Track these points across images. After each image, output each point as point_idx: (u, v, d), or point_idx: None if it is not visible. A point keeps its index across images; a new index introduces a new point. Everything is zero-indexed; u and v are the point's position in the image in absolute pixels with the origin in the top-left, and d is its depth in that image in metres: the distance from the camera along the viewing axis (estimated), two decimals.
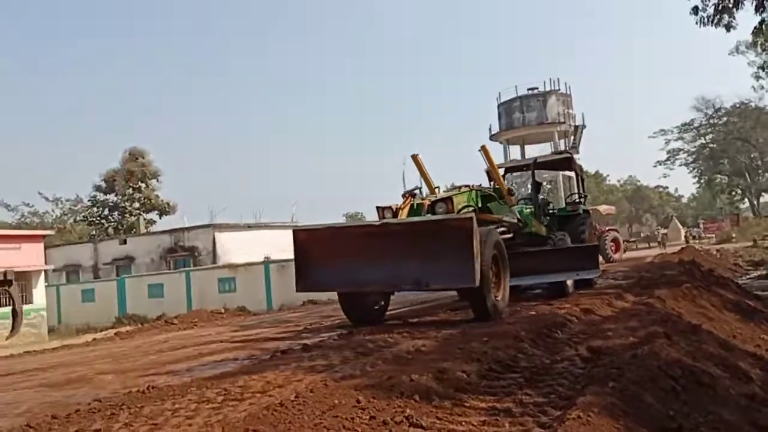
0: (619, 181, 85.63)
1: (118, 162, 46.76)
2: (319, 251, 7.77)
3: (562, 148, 51.20)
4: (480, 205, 9.59)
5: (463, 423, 3.44)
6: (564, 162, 13.99)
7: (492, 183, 10.90)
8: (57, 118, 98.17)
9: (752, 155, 64.71)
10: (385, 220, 7.92)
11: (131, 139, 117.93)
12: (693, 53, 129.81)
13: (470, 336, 5.76)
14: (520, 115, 52.47)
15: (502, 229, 9.20)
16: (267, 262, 22.90)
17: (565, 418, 3.13)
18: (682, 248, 26.91)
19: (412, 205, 8.52)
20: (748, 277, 21.52)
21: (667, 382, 3.77)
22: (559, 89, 52.02)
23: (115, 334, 13.78)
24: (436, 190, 10.42)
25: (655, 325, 5.68)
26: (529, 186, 12.88)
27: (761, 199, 70.03)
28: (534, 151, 59.94)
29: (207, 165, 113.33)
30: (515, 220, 10.15)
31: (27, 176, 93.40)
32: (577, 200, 12.94)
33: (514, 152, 59.16)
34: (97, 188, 47.16)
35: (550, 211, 12.26)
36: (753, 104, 58.46)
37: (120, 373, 5.73)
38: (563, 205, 13.42)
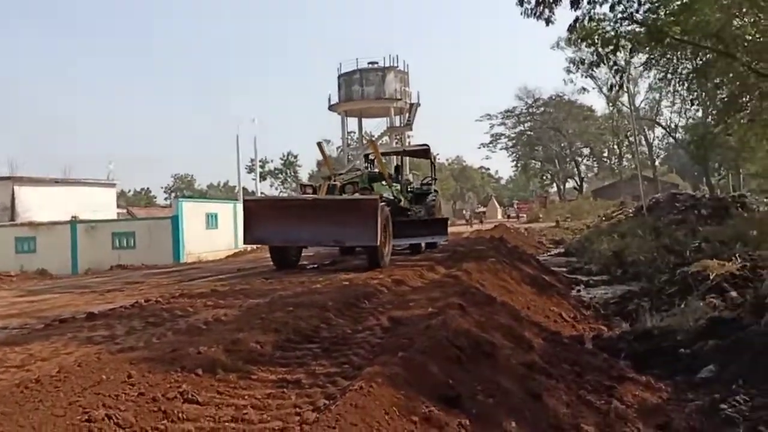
0: (447, 160, 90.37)
1: None
2: (263, 216, 10.69)
3: (398, 124, 52.78)
4: (368, 184, 12.56)
5: (246, 396, 3.29)
6: (423, 152, 17.52)
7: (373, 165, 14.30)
8: None
9: (562, 144, 71.39)
10: (315, 197, 11.15)
11: None
12: (521, 44, 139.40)
13: (277, 305, 5.60)
14: (360, 88, 52.86)
15: (383, 203, 11.20)
16: (74, 222, 20.94)
17: (348, 389, 3.09)
18: (496, 226, 28.99)
19: (329, 186, 11.91)
20: (548, 254, 23.69)
21: (452, 351, 3.90)
22: (398, 66, 53.14)
23: None
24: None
25: (454, 296, 5.93)
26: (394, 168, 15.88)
27: (567, 185, 77.73)
28: (371, 124, 61.21)
29: (11, 113, 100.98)
30: (392, 197, 12.93)
31: None
32: (430, 182, 16.04)
33: (352, 124, 59.96)
34: None
35: (410, 190, 15.12)
36: (567, 97, 64.30)
37: None
38: (419, 185, 16.34)
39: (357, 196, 11.22)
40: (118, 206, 57.49)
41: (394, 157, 17.82)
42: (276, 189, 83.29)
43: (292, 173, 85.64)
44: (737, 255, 11.16)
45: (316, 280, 8.07)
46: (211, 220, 21.32)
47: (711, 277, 10.13)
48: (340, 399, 2.96)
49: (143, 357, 3.59)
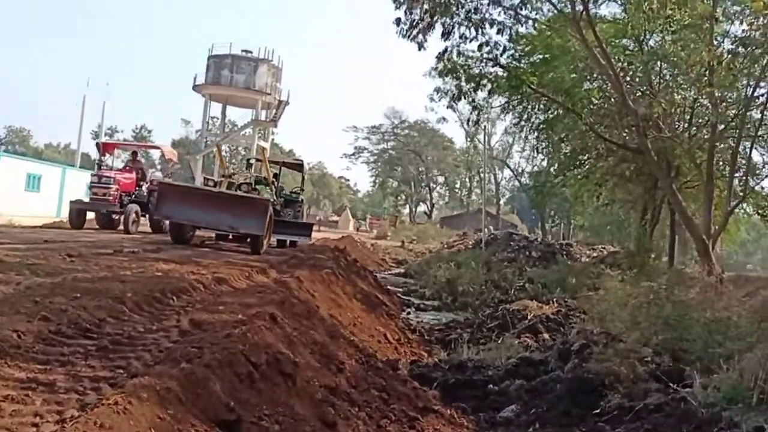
0: (309, 164, 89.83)
1: None
2: (173, 197, 13.13)
3: (263, 118, 51.49)
4: (254, 185, 16.17)
5: None
6: (298, 166, 21.72)
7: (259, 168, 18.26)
8: None
9: (420, 168, 73.79)
10: (219, 190, 14.24)
11: None
12: (397, 64, 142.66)
13: (62, 289, 4.87)
14: (230, 74, 50.90)
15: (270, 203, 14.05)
16: None
17: (101, 402, 2.59)
18: (343, 236, 28.94)
19: (229, 182, 15.27)
20: (389, 272, 23.99)
21: (245, 368, 3.52)
22: (272, 60, 51.95)
23: None
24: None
25: (272, 305, 5.53)
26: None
27: (419, 208, 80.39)
28: (236, 113, 59.19)
29: None
30: (271, 199, 15.31)
31: None
32: (299, 191, 19.63)
33: (215, 109, 57.57)
34: None
35: (281, 195, 17.84)
36: (431, 124, 66.62)
37: None
38: (288, 192, 19.37)
39: (253, 195, 14.73)
40: None
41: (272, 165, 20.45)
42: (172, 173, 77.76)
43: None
44: (554, 299, 11.83)
45: (128, 266, 7.28)
46: (33, 182, 19.26)
47: (529, 317, 10.64)
48: (85, 414, 2.46)
49: None
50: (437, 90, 16.81)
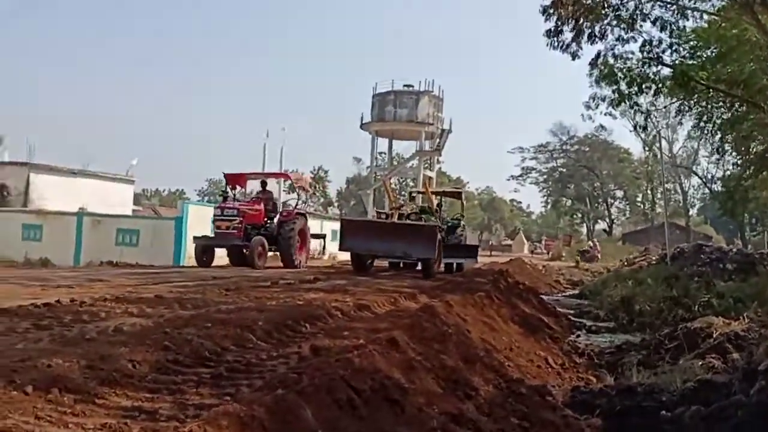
0: (477, 189, 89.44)
1: None
2: (353, 231, 14.85)
3: (428, 148, 52.35)
4: (420, 214, 16.75)
5: (72, 425, 2.78)
6: (457, 194, 21.91)
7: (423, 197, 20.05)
8: None
9: (595, 184, 69.97)
10: (393, 221, 15.51)
11: None
12: (559, 79, 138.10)
13: (197, 320, 5.10)
14: (393, 109, 52.51)
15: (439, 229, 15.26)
16: (81, 214, 20.83)
17: (173, 429, 2.56)
18: (511, 259, 28.10)
19: (400, 214, 16.32)
20: (562, 294, 22.77)
21: (345, 393, 3.34)
22: (433, 91, 52.74)
23: None
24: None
25: (401, 328, 5.34)
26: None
27: (597, 226, 76.07)
28: (401, 146, 60.93)
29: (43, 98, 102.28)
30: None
31: None
32: (459, 218, 19.56)
33: (382, 145, 59.72)
34: None
35: (445, 222, 18.39)
36: (603, 137, 63.17)
37: None
38: (449, 219, 19.93)
39: (422, 222, 15.65)
40: (145, 204, 58.04)
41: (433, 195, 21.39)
42: (303, 202, 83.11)
43: (321, 187, 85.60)
44: (746, 315, 10.32)
45: (276, 297, 7.54)
46: None
47: (714, 335, 9.33)
48: None
49: None
50: (593, 97, 15.72)
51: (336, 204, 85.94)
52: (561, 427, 5.12)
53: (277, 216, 16.73)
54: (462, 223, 19.23)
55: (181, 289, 7.85)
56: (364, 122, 53.59)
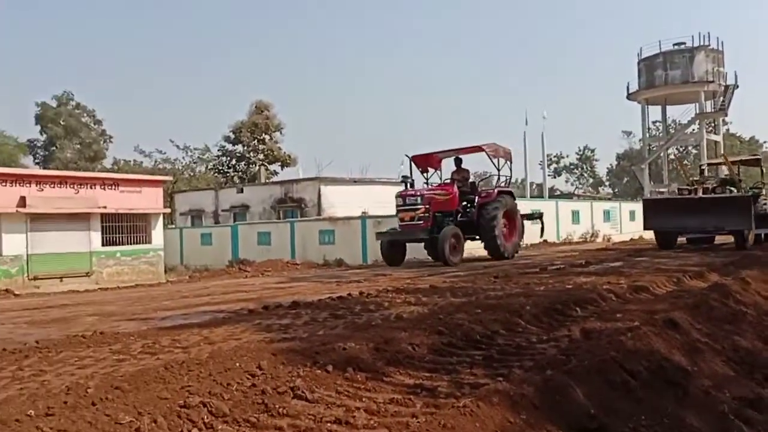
0: None
1: (245, 114, 48.92)
2: (659, 209, 15.49)
3: (709, 109, 46.83)
4: (725, 186, 16.66)
5: (366, 399, 3.18)
6: (755, 161, 20.80)
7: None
8: (190, 70, 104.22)
9: None
10: (701, 196, 15.32)
11: (260, 89, 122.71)
12: None
13: (468, 306, 5.36)
14: (663, 73, 48.24)
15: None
16: (364, 217, 23.09)
17: (451, 405, 2.78)
18: None
19: (704, 188, 16.16)
20: None
21: (618, 375, 3.24)
22: (710, 45, 47.14)
23: (189, 277, 14.60)
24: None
25: (681, 309, 4.95)
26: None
27: None
28: (677, 112, 55.37)
29: (325, 120, 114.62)
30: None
31: (161, 124, 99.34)
32: (761, 186, 18.44)
33: (654, 113, 55.01)
34: (226, 139, 49.65)
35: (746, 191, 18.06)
36: None
37: (103, 316, 5.96)
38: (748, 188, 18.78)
39: (734, 194, 15.69)
40: None
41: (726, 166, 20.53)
42: (572, 185, 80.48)
43: (589, 167, 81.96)
44: None
45: (544, 282, 7.52)
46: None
47: None
48: (432, 417, 2.67)
49: (291, 348, 3.73)
50: None
51: (607, 183, 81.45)
52: None
53: (477, 198, 14.14)
54: (763, 191, 18.39)
55: (453, 278, 8.28)
56: (630, 92, 50.06)
